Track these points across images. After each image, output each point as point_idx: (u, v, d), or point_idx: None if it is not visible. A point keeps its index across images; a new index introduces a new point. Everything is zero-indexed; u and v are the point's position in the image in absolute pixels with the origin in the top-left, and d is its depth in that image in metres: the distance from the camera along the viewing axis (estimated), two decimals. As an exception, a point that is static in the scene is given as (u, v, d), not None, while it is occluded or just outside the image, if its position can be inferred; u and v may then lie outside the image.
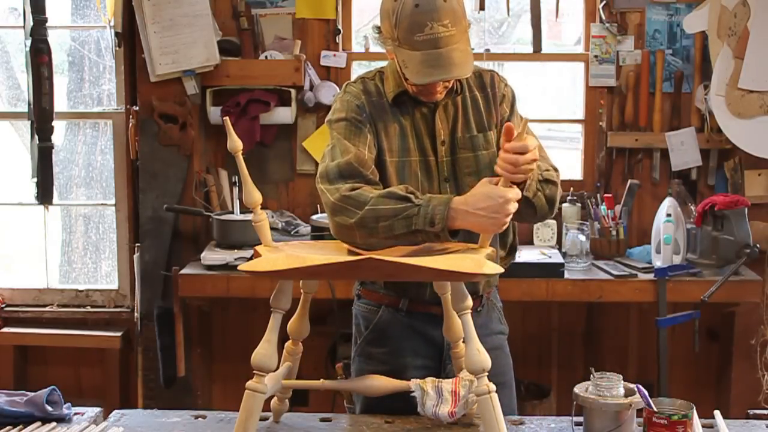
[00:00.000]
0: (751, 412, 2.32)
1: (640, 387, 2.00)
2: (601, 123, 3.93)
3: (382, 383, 2.09)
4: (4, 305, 4.17)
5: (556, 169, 2.24)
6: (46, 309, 4.18)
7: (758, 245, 3.56)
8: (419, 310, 2.32)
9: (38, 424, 2.11)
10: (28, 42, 3.78)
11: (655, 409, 1.95)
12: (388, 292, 2.34)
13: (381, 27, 2.16)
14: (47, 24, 3.79)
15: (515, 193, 1.99)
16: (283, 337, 2.01)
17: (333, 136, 2.23)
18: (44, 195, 3.90)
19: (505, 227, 2.00)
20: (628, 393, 2.04)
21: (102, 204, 4.29)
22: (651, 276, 3.55)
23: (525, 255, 3.57)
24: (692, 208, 3.78)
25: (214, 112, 3.89)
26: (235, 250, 3.64)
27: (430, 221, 2.01)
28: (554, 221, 3.82)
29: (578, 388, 2.06)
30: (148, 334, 3.94)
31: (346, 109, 2.23)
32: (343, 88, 2.30)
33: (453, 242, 2.08)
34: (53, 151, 3.89)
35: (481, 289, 2.34)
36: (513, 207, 1.98)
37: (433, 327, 2.26)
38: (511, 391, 2.40)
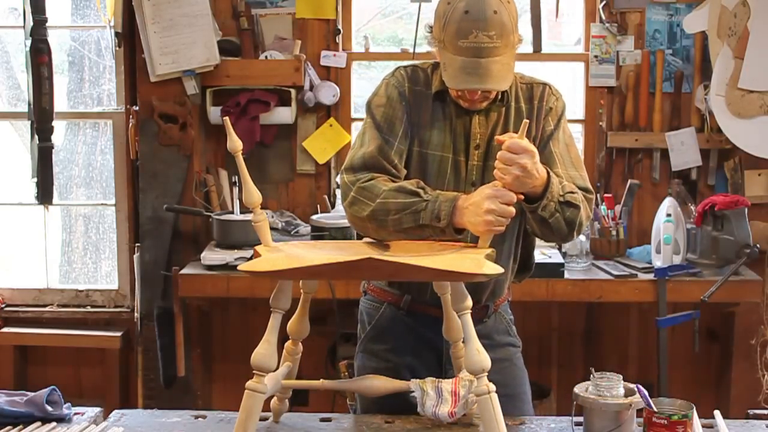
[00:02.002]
0: (751, 412, 2.32)
1: (640, 387, 2.00)
2: (601, 123, 3.93)
3: (382, 383, 2.09)
4: (4, 305, 4.17)
5: (589, 191, 2.22)
6: (46, 309, 4.18)
7: (758, 245, 3.56)
8: (419, 310, 2.31)
9: (38, 424, 2.11)
10: (28, 42, 3.78)
11: (655, 409, 1.95)
12: (391, 289, 2.34)
13: (432, 27, 2.18)
14: (47, 24, 3.79)
15: (503, 193, 1.97)
16: (283, 337, 2.01)
17: (366, 121, 2.24)
18: (44, 195, 3.90)
19: (492, 227, 1.98)
20: (628, 393, 2.04)
21: (102, 204, 4.29)
22: (651, 276, 3.55)
23: (525, 255, 3.57)
24: (692, 208, 3.78)
25: (214, 112, 3.89)
26: (235, 250, 3.64)
27: (436, 216, 2.04)
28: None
29: (578, 388, 2.06)
30: (148, 334, 3.94)
31: (386, 95, 2.24)
32: (392, 71, 2.29)
33: (458, 241, 2.08)
34: (53, 151, 3.89)
35: (484, 299, 2.32)
36: (495, 205, 1.95)
37: (432, 329, 2.26)
38: (523, 404, 2.37)
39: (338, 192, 3.91)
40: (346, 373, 3.06)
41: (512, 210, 1.99)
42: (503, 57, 2.09)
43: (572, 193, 2.14)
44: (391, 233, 2.10)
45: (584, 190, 2.21)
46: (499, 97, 2.22)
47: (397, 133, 2.20)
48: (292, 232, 3.82)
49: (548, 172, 2.07)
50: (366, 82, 4.48)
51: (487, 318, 2.35)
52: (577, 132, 4.15)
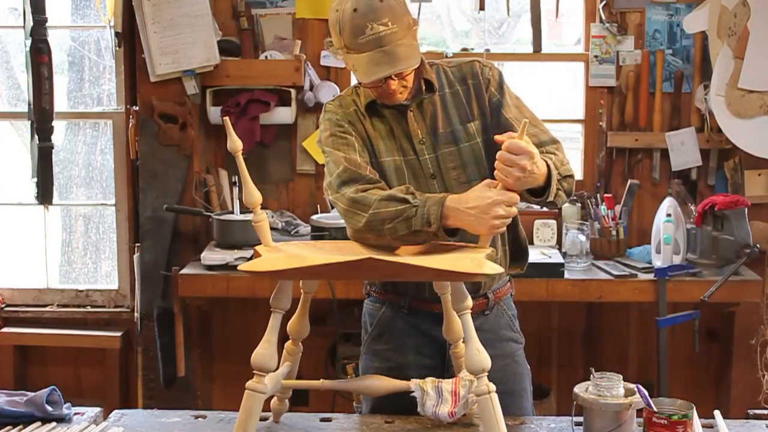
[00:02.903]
0: (751, 412, 2.32)
1: (640, 387, 2.00)
2: (601, 123, 3.93)
3: (382, 383, 2.09)
4: (4, 305, 4.17)
5: (556, 141, 2.24)
6: (46, 309, 4.18)
7: (758, 245, 3.56)
8: (421, 308, 2.32)
9: (38, 424, 2.11)
10: (28, 42, 3.78)
11: (655, 409, 1.95)
12: (390, 289, 2.35)
13: (332, 40, 2.22)
14: (47, 24, 3.79)
15: (509, 197, 1.99)
16: (283, 337, 2.01)
17: (325, 152, 2.27)
18: (44, 195, 3.90)
19: (497, 230, 2.01)
20: (628, 393, 2.04)
21: (102, 204, 4.29)
22: (651, 276, 3.55)
23: (525, 255, 3.57)
24: (692, 208, 3.78)
25: (214, 112, 3.89)
26: (235, 250, 3.64)
27: (427, 221, 2.05)
28: (554, 221, 3.82)
29: (578, 388, 2.06)
30: (148, 334, 3.94)
31: (328, 126, 2.28)
32: (323, 111, 2.34)
33: (453, 242, 2.08)
34: (53, 151, 3.89)
35: (484, 287, 2.32)
36: (503, 210, 1.98)
37: (435, 326, 2.26)
38: (523, 401, 2.37)
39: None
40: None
41: (516, 210, 2.01)
42: (405, 39, 2.12)
43: (564, 165, 2.18)
44: (391, 241, 2.11)
45: (553, 142, 2.24)
46: (424, 87, 2.25)
47: (354, 148, 2.23)
48: (292, 232, 3.82)
49: (547, 164, 2.08)
50: (366, 82, 4.48)
51: (488, 310, 2.35)
52: (577, 132, 4.15)
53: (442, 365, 2.32)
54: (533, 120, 2.26)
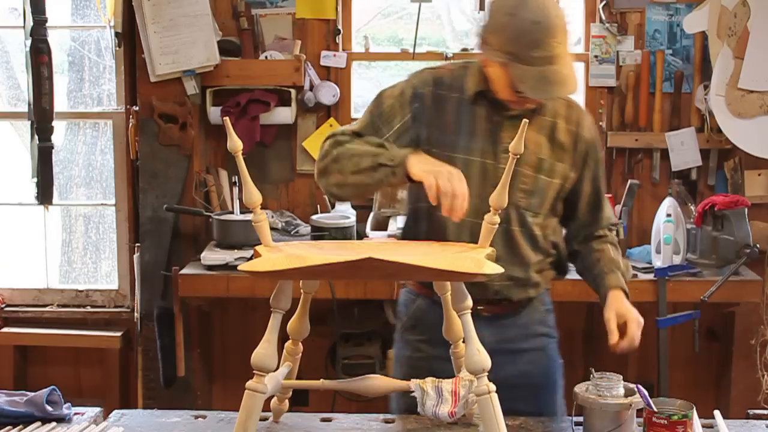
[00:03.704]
0: (750, 412, 2.31)
1: (640, 387, 2.00)
2: (601, 123, 3.93)
3: (382, 383, 2.09)
4: (4, 305, 4.17)
5: (615, 225, 2.47)
6: (46, 309, 4.18)
7: (758, 245, 3.56)
8: None
9: (38, 424, 2.11)
10: (28, 42, 3.77)
11: (655, 409, 1.95)
12: (425, 283, 2.38)
13: (488, 38, 2.17)
14: (47, 24, 3.78)
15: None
16: (283, 337, 2.01)
17: (369, 108, 2.31)
18: (44, 195, 3.89)
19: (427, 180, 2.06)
20: (628, 393, 2.04)
21: (102, 204, 4.29)
22: (651, 276, 3.55)
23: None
24: (692, 208, 3.78)
25: (214, 112, 3.89)
26: (235, 250, 3.63)
27: (391, 158, 2.12)
28: (554, 221, 3.82)
29: (578, 388, 2.06)
30: (148, 334, 3.94)
31: (401, 90, 2.29)
32: (420, 70, 2.34)
33: (452, 243, 2.09)
34: (53, 151, 3.88)
35: (528, 289, 2.38)
36: (446, 182, 2.04)
37: None
38: (554, 395, 2.42)
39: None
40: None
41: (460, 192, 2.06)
42: (568, 60, 2.15)
43: (627, 268, 2.43)
44: (347, 176, 2.17)
45: (614, 225, 2.45)
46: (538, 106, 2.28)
47: (392, 127, 2.25)
48: (292, 232, 3.82)
49: (625, 291, 2.34)
50: (366, 82, 4.48)
51: (522, 308, 2.40)
52: (577, 132, 4.15)
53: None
54: (605, 195, 2.42)
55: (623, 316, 2.24)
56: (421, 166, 2.09)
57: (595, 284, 2.38)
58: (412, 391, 2.07)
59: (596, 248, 2.40)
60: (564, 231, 2.47)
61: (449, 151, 2.25)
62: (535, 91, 2.13)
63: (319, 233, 3.60)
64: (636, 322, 2.22)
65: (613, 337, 2.20)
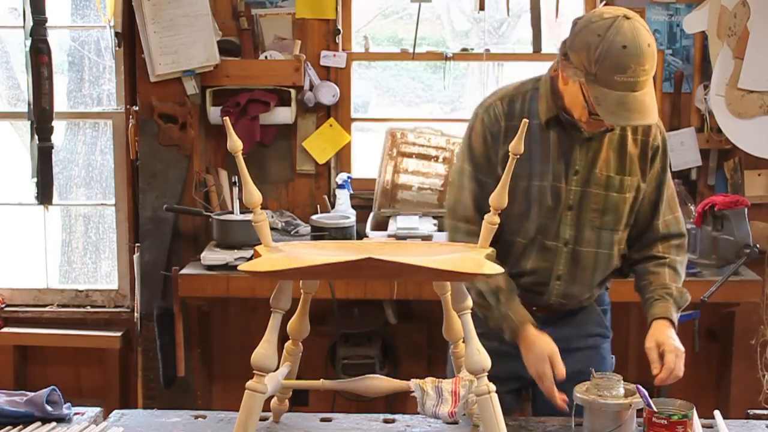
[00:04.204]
0: (750, 412, 2.32)
1: (640, 387, 2.00)
2: (601, 123, 3.92)
3: (382, 383, 2.09)
4: (4, 305, 4.17)
5: (683, 235, 2.39)
6: (46, 309, 4.18)
7: (758, 245, 3.56)
8: None
9: (38, 424, 2.11)
10: (28, 42, 3.77)
11: (655, 409, 1.95)
12: None
13: (571, 55, 2.13)
14: (47, 24, 3.79)
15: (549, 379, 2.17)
16: (283, 337, 2.01)
17: (460, 166, 2.33)
18: (44, 195, 3.90)
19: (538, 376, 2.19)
20: (628, 393, 2.04)
21: (102, 204, 4.29)
22: (651, 276, 3.54)
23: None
24: (692, 208, 3.77)
25: (214, 112, 3.89)
26: (235, 250, 3.63)
27: (510, 330, 2.26)
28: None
29: (578, 388, 2.06)
30: (148, 334, 3.94)
31: (482, 138, 2.29)
32: (486, 105, 2.31)
33: (452, 243, 2.09)
34: (53, 151, 3.89)
35: (584, 301, 2.41)
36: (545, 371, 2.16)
37: None
38: None
39: (338, 192, 3.91)
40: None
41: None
42: (651, 89, 2.10)
43: (683, 293, 2.32)
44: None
45: (679, 235, 2.36)
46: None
47: (492, 173, 2.25)
48: (291, 232, 3.82)
49: (671, 320, 2.26)
50: (366, 83, 4.48)
51: (579, 311, 2.41)
52: (577, 132, 4.14)
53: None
54: (673, 201, 2.39)
55: (661, 346, 2.18)
56: (528, 357, 2.21)
57: (644, 309, 2.34)
58: (412, 391, 2.07)
59: (651, 270, 2.35)
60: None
61: (525, 181, 2.25)
62: (611, 116, 2.08)
63: (319, 233, 3.60)
64: (673, 352, 2.15)
65: (655, 367, 2.16)
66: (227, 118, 2.00)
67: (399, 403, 3.63)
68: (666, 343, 2.17)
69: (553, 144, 2.25)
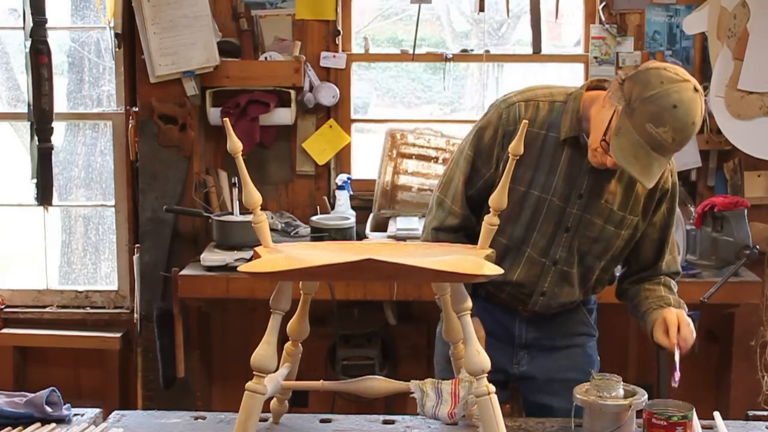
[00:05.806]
0: (750, 413, 2.31)
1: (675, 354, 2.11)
2: (600, 124, 3.92)
3: (382, 384, 2.09)
4: (3, 306, 4.17)
5: (678, 274, 2.41)
6: (46, 310, 4.18)
7: (758, 246, 3.56)
8: (495, 300, 2.41)
9: (38, 425, 2.11)
10: (28, 43, 3.78)
11: (655, 410, 1.95)
12: None
13: (627, 83, 2.08)
14: (47, 25, 3.79)
15: None
16: (282, 338, 2.01)
17: (463, 147, 2.33)
18: (44, 196, 3.90)
19: None
20: (628, 394, 2.04)
21: (102, 205, 4.29)
22: (651, 277, 3.54)
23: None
24: (692, 209, 3.77)
25: (213, 113, 3.89)
26: (235, 251, 3.63)
27: None
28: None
29: (578, 389, 2.06)
30: (148, 335, 3.94)
31: (494, 132, 2.27)
32: (509, 103, 2.29)
33: (452, 244, 2.09)
34: (53, 152, 3.89)
35: (568, 305, 2.41)
36: None
37: (507, 316, 2.39)
38: None
39: (338, 193, 3.91)
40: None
41: None
42: (667, 161, 2.10)
43: (681, 308, 2.30)
44: None
45: (675, 274, 2.40)
46: None
47: (491, 167, 2.26)
48: (291, 233, 3.82)
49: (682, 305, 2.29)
50: (366, 84, 4.48)
51: (563, 312, 2.42)
52: (576, 133, 4.14)
53: (511, 349, 2.40)
54: (673, 243, 2.39)
55: (664, 323, 2.20)
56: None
57: (644, 323, 2.32)
58: (412, 392, 2.07)
59: (646, 287, 2.36)
60: (622, 268, 2.47)
61: (524, 187, 2.26)
62: (618, 151, 2.05)
63: (319, 234, 3.60)
64: (674, 324, 2.17)
65: (670, 341, 2.17)
66: (227, 119, 2.00)
67: (398, 404, 3.63)
68: (668, 318, 2.20)
69: (564, 162, 2.25)
